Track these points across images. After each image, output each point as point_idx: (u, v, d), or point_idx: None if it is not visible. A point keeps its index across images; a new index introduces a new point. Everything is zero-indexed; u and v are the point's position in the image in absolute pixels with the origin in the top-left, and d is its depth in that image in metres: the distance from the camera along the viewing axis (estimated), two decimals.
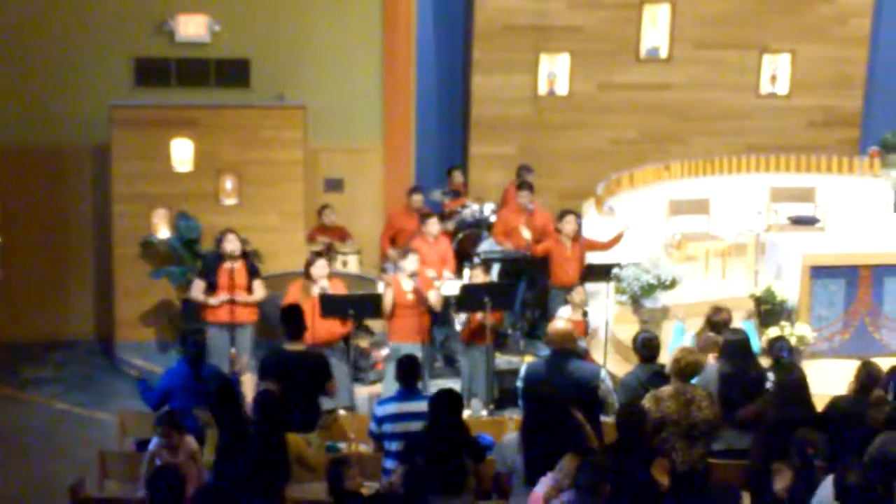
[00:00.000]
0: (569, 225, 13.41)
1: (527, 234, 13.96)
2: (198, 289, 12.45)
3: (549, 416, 8.35)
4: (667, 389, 9.15)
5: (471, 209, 15.51)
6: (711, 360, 10.24)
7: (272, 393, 8.98)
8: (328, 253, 14.64)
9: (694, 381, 9.33)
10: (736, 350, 9.99)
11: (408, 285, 12.18)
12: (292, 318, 10.45)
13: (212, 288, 12.36)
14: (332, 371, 10.34)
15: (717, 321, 10.87)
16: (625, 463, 7.94)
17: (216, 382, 9.73)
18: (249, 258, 12.74)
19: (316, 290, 11.91)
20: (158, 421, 9.18)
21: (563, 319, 10.24)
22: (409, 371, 9.39)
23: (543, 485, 7.83)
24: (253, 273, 12.56)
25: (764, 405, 9.37)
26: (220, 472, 8.38)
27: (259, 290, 12.50)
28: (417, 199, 14.80)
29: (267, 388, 9.16)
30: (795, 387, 9.36)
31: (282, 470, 8.41)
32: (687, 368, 9.21)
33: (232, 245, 12.34)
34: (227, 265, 12.35)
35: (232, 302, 12.27)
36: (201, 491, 8.02)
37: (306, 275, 12.09)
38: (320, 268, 12.05)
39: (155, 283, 14.49)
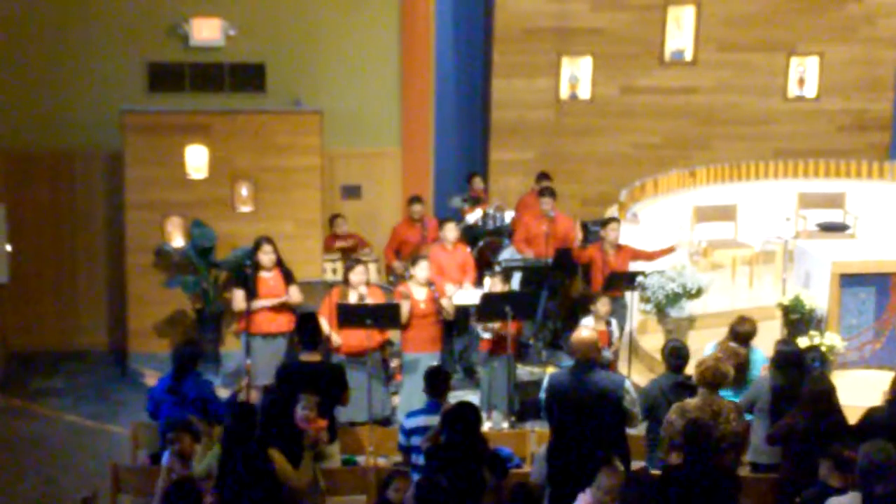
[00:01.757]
0: (613, 232, 13.23)
1: (580, 234, 13.73)
2: (239, 298, 12.20)
3: (575, 436, 8.15)
4: (693, 401, 9.09)
5: (475, 215, 15.35)
6: (764, 372, 10.16)
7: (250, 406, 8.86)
8: (345, 261, 14.51)
9: (744, 392, 9.35)
10: (788, 362, 9.86)
11: (420, 294, 11.98)
12: (308, 328, 10.31)
13: (251, 297, 12.12)
14: (347, 382, 10.18)
15: (741, 332, 10.73)
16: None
17: (198, 395, 9.85)
18: (283, 265, 12.49)
19: (354, 297, 11.78)
20: (168, 428, 9.14)
21: (587, 328, 10.03)
22: (438, 383, 9.28)
23: (581, 501, 7.59)
24: (288, 280, 12.36)
25: (793, 418, 9.12)
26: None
27: (296, 295, 12.32)
28: (417, 209, 14.66)
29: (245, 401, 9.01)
30: (825, 397, 9.11)
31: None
32: (706, 374, 9.11)
33: (268, 257, 12.20)
34: (264, 274, 12.20)
35: (276, 308, 12.13)
36: None
37: (345, 281, 11.96)
38: (359, 274, 11.93)
39: (169, 293, 14.34)
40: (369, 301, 11.80)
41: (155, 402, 10.00)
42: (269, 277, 12.19)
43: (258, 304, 12.08)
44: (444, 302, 12.18)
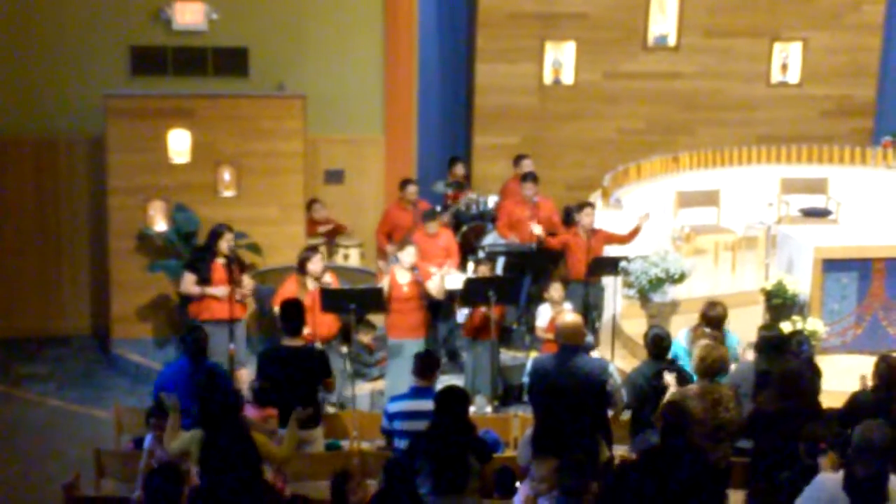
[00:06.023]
0: (587, 217, 13.22)
1: (538, 229, 13.73)
2: (189, 282, 12.24)
3: (559, 420, 8.17)
4: (693, 388, 9.11)
5: (465, 199, 15.33)
6: (749, 356, 10.18)
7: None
8: (329, 246, 14.49)
9: (726, 377, 9.31)
10: (771, 347, 9.90)
11: (404, 278, 12.00)
12: (291, 314, 10.31)
13: (203, 282, 12.13)
14: (330, 367, 10.21)
15: (712, 316, 10.76)
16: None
17: (217, 379, 9.76)
18: (236, 253, 12.51)
19: (313, 286, 11.82)
20: (152, 409, 9.12)
21: (571, 313, 10.06)
22: (425, 367, 9.29)
23: (520, 493, 7.65)
24: (242, 268, 12.42)
25: (762, 399, 9.16)
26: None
27: (249, 283, 12.39)
28: (412, 190, 14.62)
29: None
30: (791, 379, 9.10)
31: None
32: (714, 365, 9.16)
33: (229, 244, 12.17)
34: (220, 260, 12.15)
35: (232, 296, 12.07)
36: (195, 492, 7.87)
37: (301, 270, 11.94)
38: (317, 263, 11.96)
39: (152, 278, 14.32)
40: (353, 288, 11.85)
41: (162, 387, 9.73)
42: (223, 264, 12.14)
43: (214, 291, 12.05)
44: (432, 283, 12.19)
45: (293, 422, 8.91)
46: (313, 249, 12.44)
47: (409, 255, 12.12)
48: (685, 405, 8.53)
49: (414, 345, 11.91)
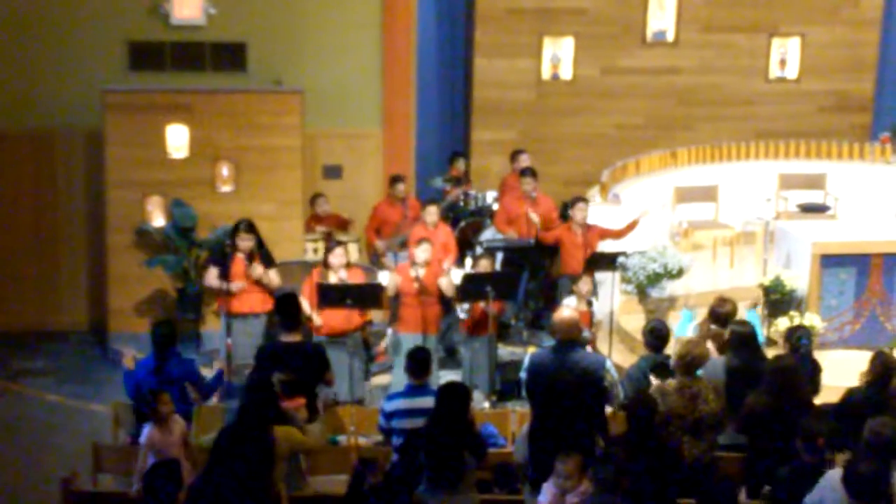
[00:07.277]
0: (580, 212, 13.27)
1: (536, 218, 13.74)
2: (212, 275, 12.21)
3: (556, 416, 8.21)
4: (672, 383, 9.12)
5: (455, 195, 15.32)
6: (713, 351, 10.11)
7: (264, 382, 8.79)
8: (327, 242, 14.48)
9: (699, 372, 9.26)
10: (743, 343, 9.86)
11: (414, 274, 11.99)
12: (288, 309, 10.29)
13: (225, 277, 12.07)
14: (329, 361, 10.17)
15: (721, 313, 10.70)
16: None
17: (182, 374, 9.89)
18: (264, 248, 12.43)
19: (334, 280, 11.82)
20: (142, 402, 9.18)
21: (569, 308, 10.05)
22: (419, 365, 9.26)
23: (547, 493, 7.63)
24: (267, 263, 12.29)
25: (754, 397, 9.13)
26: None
27: (275, 279, 12.28)
28: (400, 188, 14.69)
29: (260, 378, 8.98)
30: (786, 375, 9.08)
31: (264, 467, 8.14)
32: (693, 363, 9.17)
33: (245, 244, 12.11)
34: (241, 255, 12.13)
35: (251, 289, 12.08)
36: (192, 489, 7.84)
37: (325, 263, 11.94)
38: (338, 256, 11.96)
39: (149, 273, 14.28)
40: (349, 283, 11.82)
41: (137, 385, 9.93)
42: (244, 258, 12.12)
43: (232, 285, 12.03)
44: (443, 281, 12.20)
45: (322, 412, 8.92)
46: (337, 242, 12.45)
47: (423, 251, 12.12)
48: (650, 397, 8.54)
49: (416, 339, 11.88)
